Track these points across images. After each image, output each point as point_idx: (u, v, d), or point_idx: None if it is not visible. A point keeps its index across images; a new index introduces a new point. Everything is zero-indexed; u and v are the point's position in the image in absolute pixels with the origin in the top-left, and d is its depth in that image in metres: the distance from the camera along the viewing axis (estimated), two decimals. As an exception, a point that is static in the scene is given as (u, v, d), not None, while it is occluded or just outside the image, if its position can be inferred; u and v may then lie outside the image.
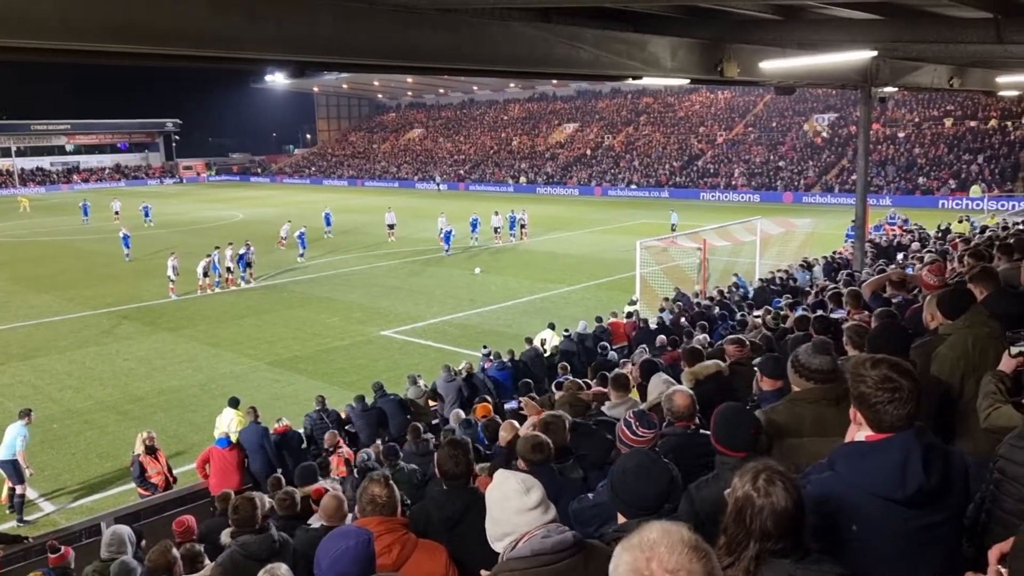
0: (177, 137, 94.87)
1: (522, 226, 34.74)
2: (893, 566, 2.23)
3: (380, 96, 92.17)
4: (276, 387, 15.43)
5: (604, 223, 31.97)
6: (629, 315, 16.35)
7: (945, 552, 2.30)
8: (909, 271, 11.00)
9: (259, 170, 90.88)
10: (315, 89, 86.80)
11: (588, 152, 66.52)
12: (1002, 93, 27.01)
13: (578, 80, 58.98)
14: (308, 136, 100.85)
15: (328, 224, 37.28)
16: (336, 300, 23.53)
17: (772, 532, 1.97)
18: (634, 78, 11.87)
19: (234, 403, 11.98)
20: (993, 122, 47.96)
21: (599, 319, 15.38)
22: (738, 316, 13.69)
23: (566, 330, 14.72)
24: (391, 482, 3.42)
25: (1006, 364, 3.37)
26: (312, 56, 8.13)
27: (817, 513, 2.19)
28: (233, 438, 10.66)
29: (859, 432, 2.41)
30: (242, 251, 26.20)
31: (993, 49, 12.56)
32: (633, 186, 57.77)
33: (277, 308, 22.67)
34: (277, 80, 29.83)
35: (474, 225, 33.55)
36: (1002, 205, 37.92)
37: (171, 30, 6.37)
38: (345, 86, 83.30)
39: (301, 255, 30.42)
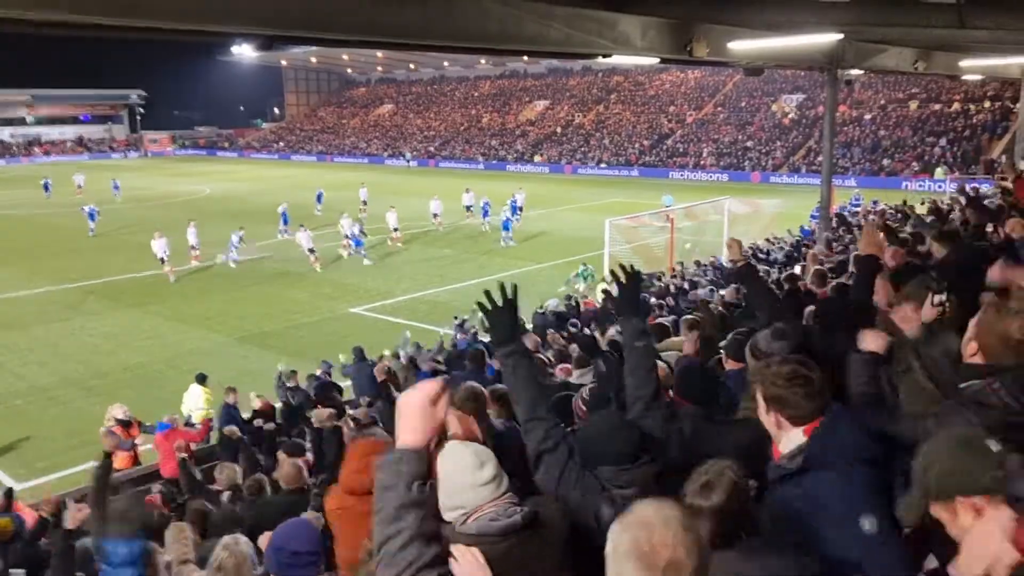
0: (142, 110, 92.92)
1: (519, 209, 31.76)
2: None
3: (350, 71, 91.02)
4: (244, 363, 15.38)
5: (574, 201, 32.07)
6: (606, 292, 16.54)
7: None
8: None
9: (226, 144, 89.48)
10: (283, 63, 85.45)
11: (558, 130, 66.43)
12: (965, 77, 27.49)
13: (549, 58, 58.70)
14: (276, 110, 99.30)
15: (319, 202, 36.43)
16: (306, 276, 23.41)
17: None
18: (604, 56, 11.92)
19: (201, 379, 11.95)
20: (956, 105, 48.70)
21: (568, 297, 15.54)
22: (691, 295, 13.82)
23: (540, 308, 14.84)
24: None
25: (927, 312, 3.52)
26: (280, 30, 8.07)
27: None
28: (198, 416, 10.65)
29: (785, 440, 2.52)
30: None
31: (956, 33, 12.78)
32: (603, 164, 57.88)
33: (247, 284, 22.51)
34: (244, 53, 29.21)
35: (485, 211, 31.33)
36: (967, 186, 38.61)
37: (138, 2, 6.29)
38: (314, 60, 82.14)
39: (282, 231, 30.16)
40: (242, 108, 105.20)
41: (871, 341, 3.17)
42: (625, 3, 10.56)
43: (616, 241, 22.00)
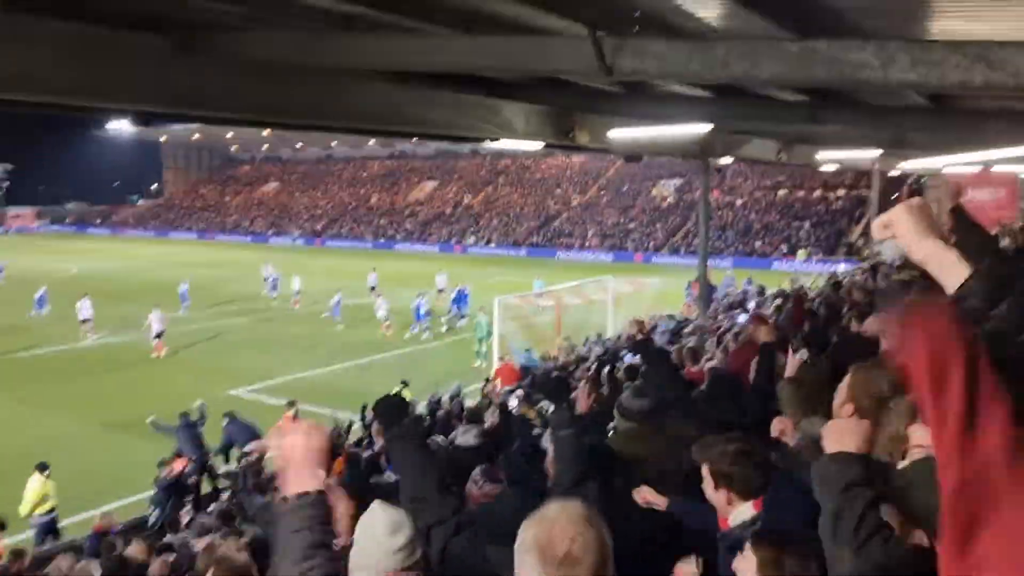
0: (6, 183, 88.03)
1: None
2: None
3: (233, 148, 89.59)
4: (107, 455, 14.40)
5: (464, 280, 32.30)
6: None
7: None
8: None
9: (98, 220, 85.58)
10: (162, 138, 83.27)
11: (448, 210, 67.27)
12: (823, 168, 29.85)
13: (436, 140, 59.75)
14: (154, 186, 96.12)
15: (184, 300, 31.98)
16: (183, 358, 22.35)
17: None
18: (491, 140, 12.29)
19: (42, 468, 11.08)
20: (817, 192, 52.65)
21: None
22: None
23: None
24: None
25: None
26: (161, 108, 7.92)
27: None
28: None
29: (734, 513, 2.61)
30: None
31: (809, 128, 13.95)
32: (492, 244, 58.80)
33: (120, 367, 21.24)
34: (121, 128, 28.35)
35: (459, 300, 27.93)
36: (827, 267, 41.39)
37: (9, 75, 6.03)
38: (196, 136, 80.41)
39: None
40: (116, 183, 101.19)
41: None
42: (508, 91, 10.96)
43: (505, 320, 22.19)
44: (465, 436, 6.43)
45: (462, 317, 27.20)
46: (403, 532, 2.43)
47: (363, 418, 13.88)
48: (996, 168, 18.62)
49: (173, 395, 18.33)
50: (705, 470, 2.70)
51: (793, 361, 4.12)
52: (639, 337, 5.05)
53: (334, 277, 36.16)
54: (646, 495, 3.28)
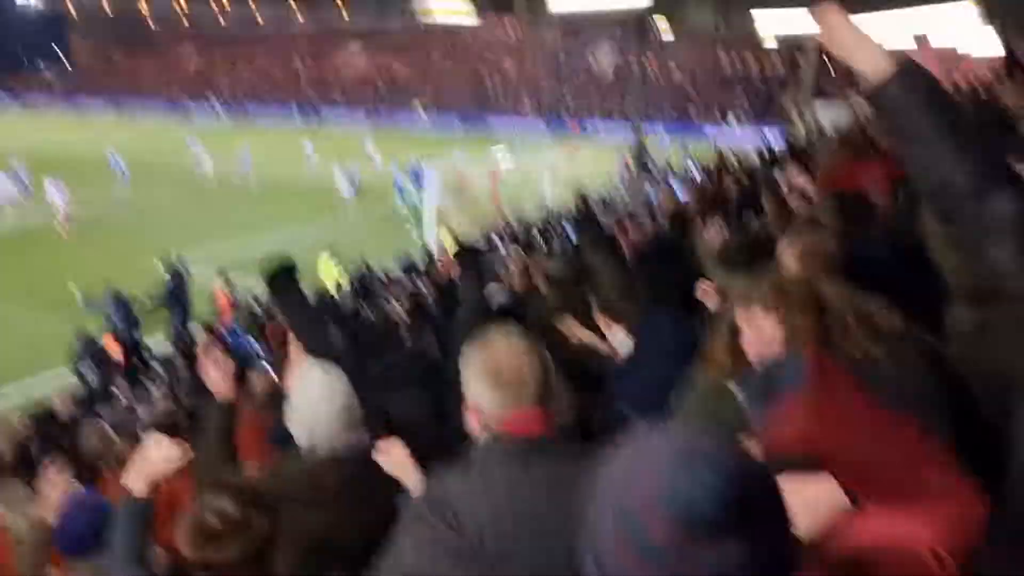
0: None
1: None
2: None
3: (144, 12, 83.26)
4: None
5: (397, 153, 31.56)
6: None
7: None
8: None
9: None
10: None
11: (378, 80, 64.77)
12: (764, 45, 29.49)
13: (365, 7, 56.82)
14: (61, 54, 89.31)
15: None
16: (110, 232, 21.63)
17: None
18: (422, 12, 11.74)
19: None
20: (752, 62, 52.29)
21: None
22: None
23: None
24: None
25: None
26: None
27: None
28: None
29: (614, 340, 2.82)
30: None
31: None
32: (423, 115, 57.30)
33: (40, 247, 20.50)
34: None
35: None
36: (757, 134, 41.71)
37: None
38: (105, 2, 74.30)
39: None
40: (21, 51, 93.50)
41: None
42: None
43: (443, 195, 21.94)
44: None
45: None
46: (341, 391, 2.44)
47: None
48: (933, 44, 18.68)
49: (95, 271, 17.88)
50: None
51: (711, 231, 4.29)
52: (579, 210, 5.11)
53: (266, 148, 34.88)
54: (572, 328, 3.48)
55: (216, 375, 2.63)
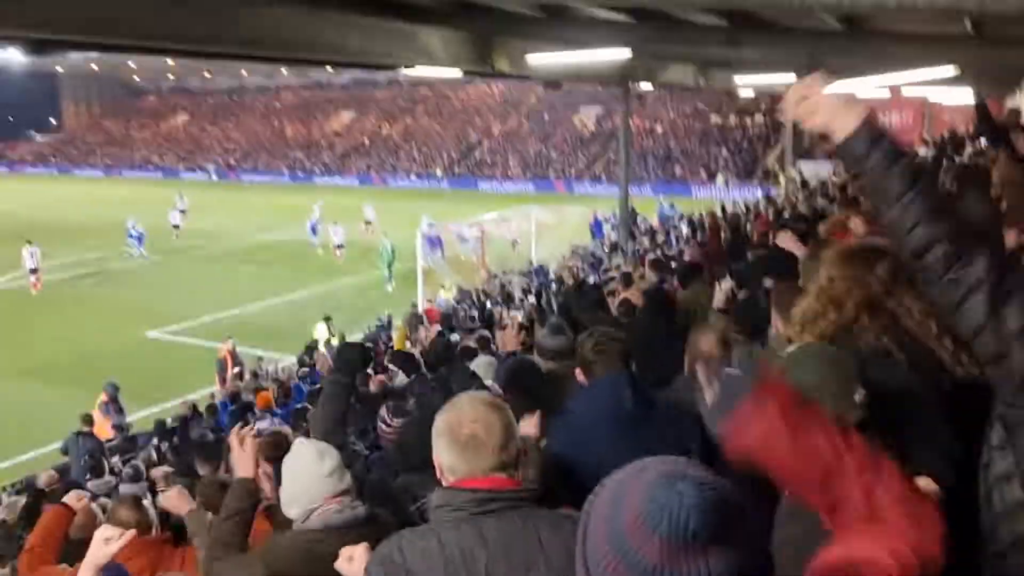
0: None
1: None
2: None
3: (137, 79, 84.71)
4: (25, 402, 13.88)
5: (384, 212, 31.83)
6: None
7: None
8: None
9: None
10: (59, 69, 77.93)
11: (366, 141, 65.67)
12: (741, 93, 30.17)
13: (350, 68, 57.84)
14: (53, 121, 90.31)
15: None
16: (92, 300, 21.49)
17: None
18: (407, 67, 11.94)
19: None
20: (734, 119, 53.39)
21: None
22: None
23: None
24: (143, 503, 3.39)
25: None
26: (53, 34, 7.37)
27: None
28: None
29: None
30: None
31: (728, 52, 14.01)
32: (412, 176, 57.89)
33: (17, 314, 20.28)
34: (12, 57, 26.44)
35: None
36: (743, 193, 42.37)
37: None
38: (95, 67, 75.56)
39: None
40: (11, 118, 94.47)
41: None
42: (423, 16, 10.62)
43: (427, 252, 22.05)
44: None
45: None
46: (329, 457, 2.45)
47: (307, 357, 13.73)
48: (905, 92, 19.16)
49: (85, 338, 17.72)
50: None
51: (720, 292, 4.23)
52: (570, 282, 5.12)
53: (257, 213, 35.09)
54: None
55: (244, 458, 2.74)
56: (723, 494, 0.98)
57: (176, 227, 30.90)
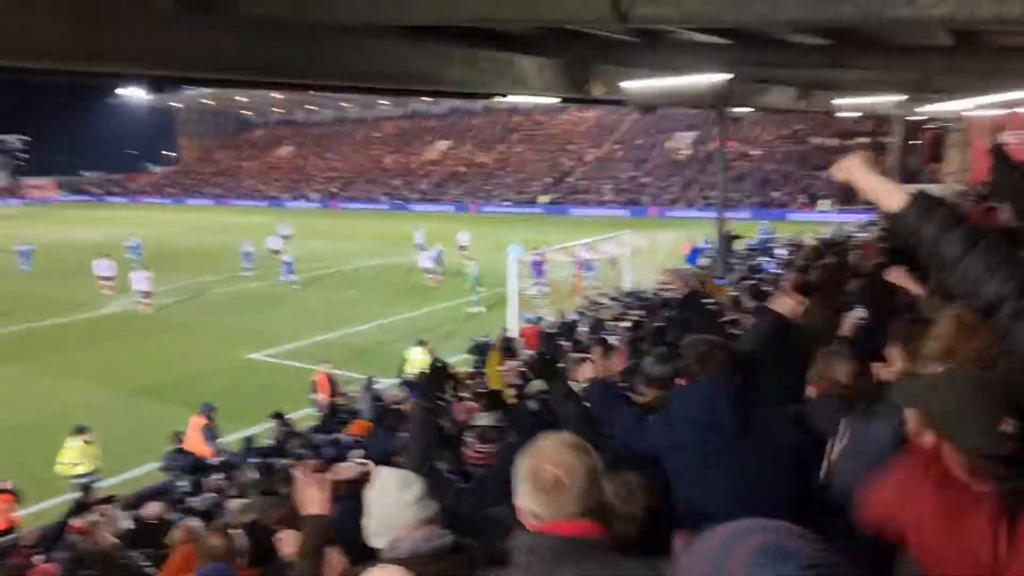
0: (24, 155, 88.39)
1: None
2: None
3: (246, 112, 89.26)
4: (135, 418, 14.59)
5: (480, 239, 32.25)
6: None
7: None
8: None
9: (116, 189, 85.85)
10: (175, 104, 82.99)
11: (462, 169, 66.86)
12: (842, 114, 29.22)
13: (449, 98, 59.24)
14: (169, 154, 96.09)
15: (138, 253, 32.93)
16: (197, 323, 22.51)
17: None
18: (503, 96, 12.08)
19: (80, 431, 11.24)
20: (836, 141, 51.71)
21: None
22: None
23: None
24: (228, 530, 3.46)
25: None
26: (172, 71, 7.79)
27: None
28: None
29: None
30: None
31: (830, 73, 13.57)
32: (507, 202, 58.47)
33: (130, 335, 21.43)
34: (134, 95, 28.54)
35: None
36: (847, 217, 40.83)
37: (26, 42, 5.91)
38: (208, 101, 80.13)
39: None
40: (132, 152, 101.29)
41: None
42: (521, 44, 10.72)
43: (521, 277, 22.10)
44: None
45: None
46: (415, 486, 2.44)
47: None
48: (1021, 109, 18.16)
49: (192, 359, 18.55)
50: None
51: (850, 320, 4.14)
52: (683, 291, 5.08)
53: (355, 239, 36.10)
54: None
55: (318, 495, 2.78)
56: (824, 567, 0.90)
57: (276, 252, 32.02)
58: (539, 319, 18.17)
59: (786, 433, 2.74)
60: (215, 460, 11.20)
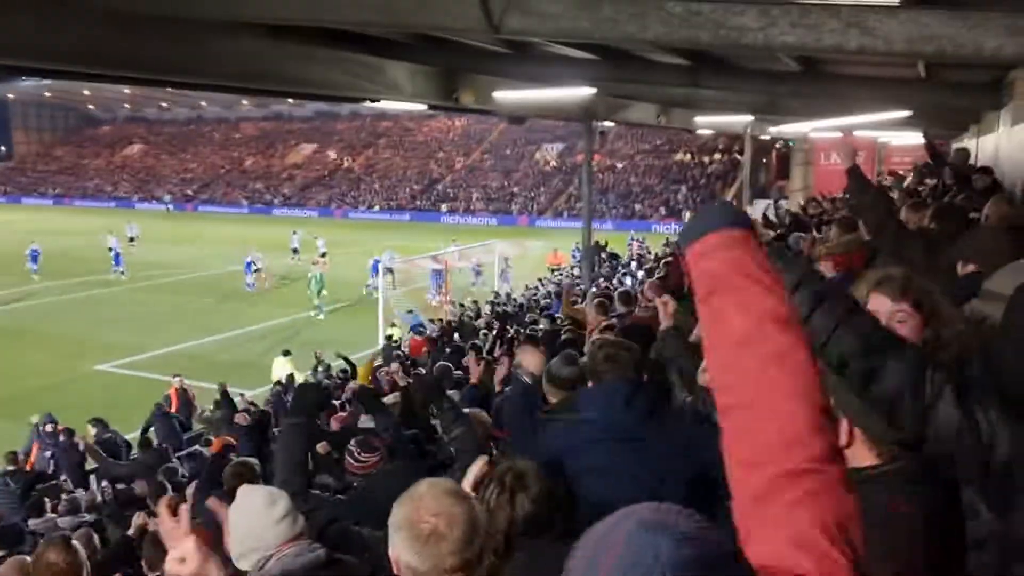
0: None
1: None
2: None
3: (91, 107, 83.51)
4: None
5: (345, 246, 31.62)
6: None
7: None
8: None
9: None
10: (10, 96, 76.38)
11: (327, 173, 65.43)
12: (700, 131, 30.78)
13: (315, 100, 57.77)
14: (2, 148, 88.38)
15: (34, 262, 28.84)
16: (41, 332, 20.82)
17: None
18: (372, 100, 11.91)
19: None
20: (689, 156, 54.42)
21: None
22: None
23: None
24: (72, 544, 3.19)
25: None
26: (7, 59, 7.17)
27: None
28: None
29: None
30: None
31: (690, 92, 14.26)
32: (375, 208, 57.72)
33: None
34: (-40, 83, 26.05)
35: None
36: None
37: None
38: (48, 94, 74.25)
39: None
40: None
41: None
42: (391, 50, 10.61)
43: (388, 285, 21.90)
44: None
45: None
46: (280, 502, 2.34)
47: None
48: (857, 133, 19.72)
49: (31, 372, 17.13)
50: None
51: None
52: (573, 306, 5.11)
53: (217, 244, 34.52)
54: None
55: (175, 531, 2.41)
56: (706, 549, 0.87)
57: (110, 251, 29.75)
58: (422, 327, 17.91)
59: (684, 421, 2.87)
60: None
